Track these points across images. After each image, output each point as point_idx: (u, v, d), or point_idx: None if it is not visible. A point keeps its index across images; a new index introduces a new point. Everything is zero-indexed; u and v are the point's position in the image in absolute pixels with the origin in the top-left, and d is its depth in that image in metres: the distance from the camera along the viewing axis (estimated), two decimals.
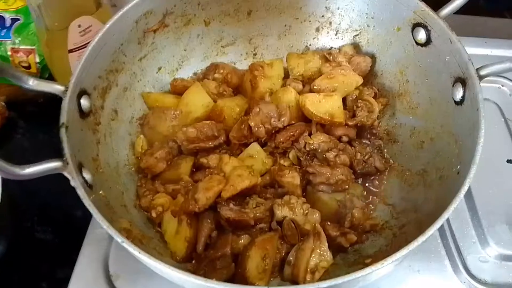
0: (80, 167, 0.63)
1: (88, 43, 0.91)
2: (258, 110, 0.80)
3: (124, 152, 0.81)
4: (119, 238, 0.56)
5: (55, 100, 1.08)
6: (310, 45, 0.94)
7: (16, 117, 1.05)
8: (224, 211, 0.71)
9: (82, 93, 0.69)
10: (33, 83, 0.65)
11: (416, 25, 0.79)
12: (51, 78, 1.01)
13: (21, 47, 1.03)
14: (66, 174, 0.60)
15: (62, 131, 0.62)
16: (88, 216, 0.79)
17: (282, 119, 0.80)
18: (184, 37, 0.89)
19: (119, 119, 0.81)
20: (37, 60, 1.04)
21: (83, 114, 0.70)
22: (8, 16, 1.03)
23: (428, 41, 0.78)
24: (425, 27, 0.77)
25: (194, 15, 0.87)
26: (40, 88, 0.66)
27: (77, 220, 0.87)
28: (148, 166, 0.79)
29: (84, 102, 0.70)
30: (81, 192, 0.58)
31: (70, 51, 0.90)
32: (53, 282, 0.82)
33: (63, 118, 0.64)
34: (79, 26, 0.89)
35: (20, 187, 0.87)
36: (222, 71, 0.90)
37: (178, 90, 0.88)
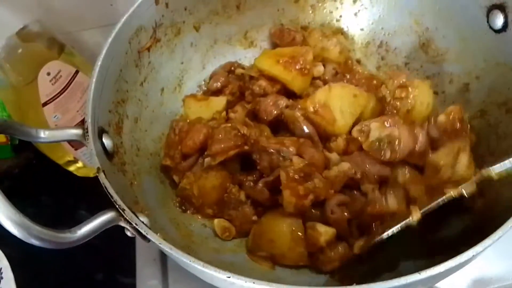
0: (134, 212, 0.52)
1: (62, 90, 0.81)
2: None
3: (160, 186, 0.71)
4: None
5: (31, 167, 0.97)
6: (309, 23, 0.87)
7: None
8: None
9: (100, 131, 0.59)
10: (45, 135, 0.54)
11: None
12: (22, 144, 0.92)
13: None
14: (123, 224, 0.49)
15: (102, 176, 0.51)
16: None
17: None
18: (178, 49, 0.80)
19: (141, 154, 0.71)
20: None
21: (109, 155, 0.60)
22: None
23: None
24: None
25: (183, 23, 0.79)
26: (56, 139, 0.55)
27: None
28: None
29: (107, 141, 0.59)
30: (155, 238, 0.48)
31: (44, 104, 0.81)
32: None
33: (97, 162, 0.53)
34: (48, 74, 0.81)
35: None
36: None
37: None
